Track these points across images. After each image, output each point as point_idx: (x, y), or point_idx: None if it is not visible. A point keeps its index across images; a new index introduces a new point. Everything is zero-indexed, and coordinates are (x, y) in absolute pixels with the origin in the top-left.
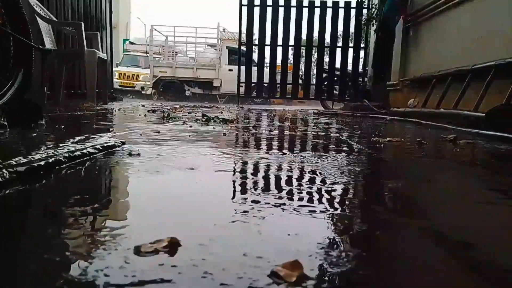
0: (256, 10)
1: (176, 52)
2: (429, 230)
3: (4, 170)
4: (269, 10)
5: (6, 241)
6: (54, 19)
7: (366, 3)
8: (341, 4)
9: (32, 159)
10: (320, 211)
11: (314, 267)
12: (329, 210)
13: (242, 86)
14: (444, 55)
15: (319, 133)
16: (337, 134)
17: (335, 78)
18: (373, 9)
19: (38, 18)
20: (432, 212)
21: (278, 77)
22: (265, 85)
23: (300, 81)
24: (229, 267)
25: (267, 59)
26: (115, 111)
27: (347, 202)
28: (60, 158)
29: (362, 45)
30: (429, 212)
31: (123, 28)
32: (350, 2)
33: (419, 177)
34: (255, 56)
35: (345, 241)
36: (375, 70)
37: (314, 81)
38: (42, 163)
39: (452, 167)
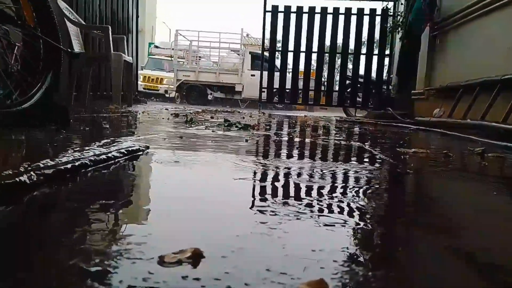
0: (280, 16)
1: (199, 57)
2: (458, 249)
3: (32, 173)
4: (293, 17)
5: (29, 246)
6: (83, 22)
7: (391, 10)
8: (366, 11)
9: (59, 162)
10: (346, 226)
11: (340, 287)
12: (354, 225)
13: (264, 92)
14: (472, 65)
15: (342, 142)
16: (361, 144)
17: (359, 85)
18: (399, 17)
19: (67, 22)
20: (464, 231)
21: (301, 83)
22: (287, 91)
23: (323, 88)
24: (252, 282)
25: (289, 65)
26: (139, 114)
27: (373, 218)
28: (86, 161)
29: (387, 52)
30: (462, 231)
31: (149, 32)
32: (375, 9)
33: (449, 194)
34: (277, 62)
35: (372, 259)
36: (400, 78)
37: (337, 88)
38: (69, 166)
39: (483, 183)
